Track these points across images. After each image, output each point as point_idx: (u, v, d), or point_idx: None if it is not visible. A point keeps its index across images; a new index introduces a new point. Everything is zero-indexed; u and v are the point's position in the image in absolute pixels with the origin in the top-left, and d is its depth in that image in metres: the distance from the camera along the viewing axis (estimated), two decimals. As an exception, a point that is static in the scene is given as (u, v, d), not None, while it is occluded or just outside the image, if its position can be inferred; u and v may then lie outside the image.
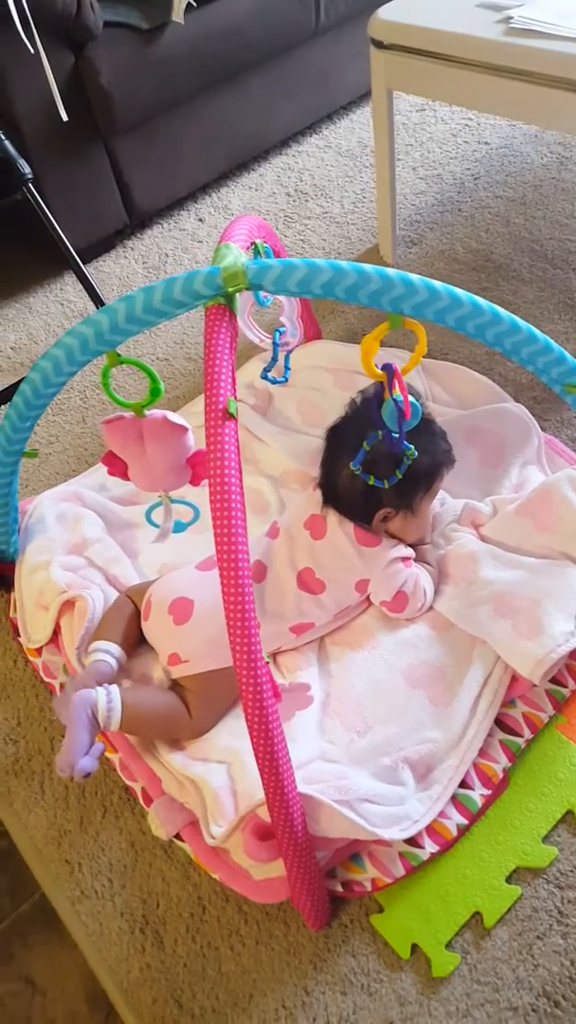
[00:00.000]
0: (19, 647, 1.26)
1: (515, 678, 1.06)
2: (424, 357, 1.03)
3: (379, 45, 1.46)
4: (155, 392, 0.93)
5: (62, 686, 1.17)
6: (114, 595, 1.21)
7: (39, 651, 1.22)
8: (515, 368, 1.51)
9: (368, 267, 0.84)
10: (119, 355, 0.92)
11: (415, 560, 1.15)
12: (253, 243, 0.99)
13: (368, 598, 1.16)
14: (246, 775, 0.99)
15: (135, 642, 1.15)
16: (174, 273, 1.91)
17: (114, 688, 1.02)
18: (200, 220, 2.07)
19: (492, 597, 1.10)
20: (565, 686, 1.07)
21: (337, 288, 0.85)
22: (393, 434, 0.94)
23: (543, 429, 1.34)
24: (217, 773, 1.00)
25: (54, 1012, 0.96)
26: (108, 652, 1.10)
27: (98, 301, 1.80)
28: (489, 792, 1.00)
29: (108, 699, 1.00)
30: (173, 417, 0.95)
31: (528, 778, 1.02)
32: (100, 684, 1.03)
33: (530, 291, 1.66)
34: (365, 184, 2.06)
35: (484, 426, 1.32)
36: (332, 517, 1.13)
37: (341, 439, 1.12)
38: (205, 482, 0.99)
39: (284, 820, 0.84)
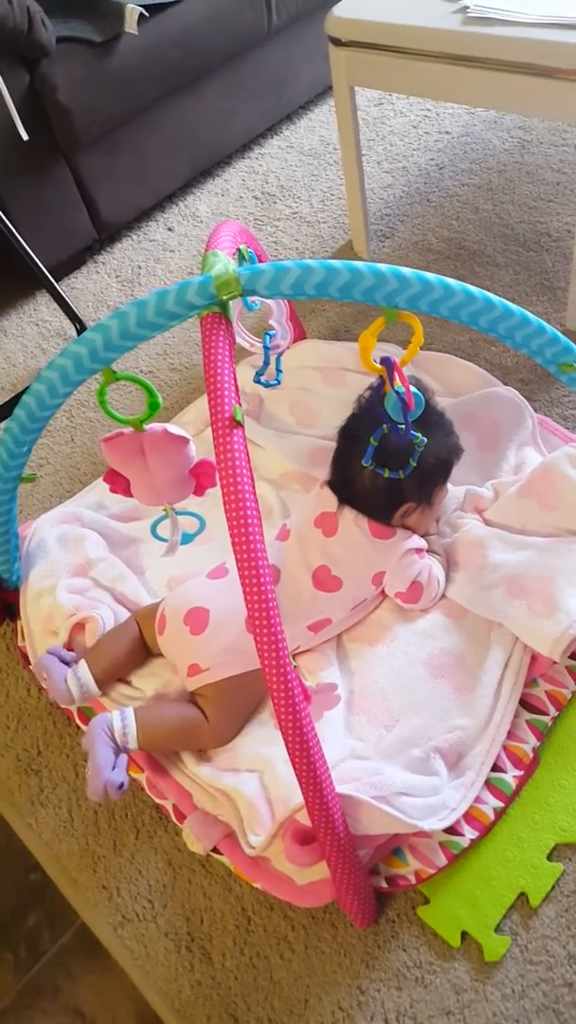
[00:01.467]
0: (31, 675, 1.25)
1: (535, 657, 1.07)
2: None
3: (337, 43, 1.46)
4: (153, 406, 0.92)
5: (80, 711, 1.16)
6: (124, 613, 1.20)
7: (53, 677, 1.20)
8: (500, 353, 1.52)
9: (360, 264, 0.84)
10: (115, 372, 0.91)
11: (427, 551, 1.15)
12: (238, 249, 0.99)
13: (383, 592, 1.16)
14: (279, 781, 0.98)
15: (133, 664, 1.16)
16: (148, 284, 1.91)
17: (128, 709, 1.04)
18: (169, 229, 2.06)
19: (504, 580, 1.11)
20: (585, 662, 1.08)
21: (330, 287, 0.85)
22: (399, 426, 0.94)
23: (534, 410, 1.35)
24: (250, 782, 1.00)
25: (107, 1039, 0.95)
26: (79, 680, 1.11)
27: (74, 319, 1.80)
28: (521, 773, 1.00)
29: (122, 718, 1.02)
30: (173, 429, 0.95)
31: (557, 755, 1.03)
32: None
33: (506, 275, 1.67)
34: (331, 182, 2.06)
35: (478, 412, 1.33)
36: (346, 513, 1.13)
37: (354, 436, 1.11)
38: (207, 492, 1.01)
39: (325, 822, 0.84)
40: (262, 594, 0.77)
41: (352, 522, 1.12)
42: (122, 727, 1.01)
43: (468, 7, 1.33)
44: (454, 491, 1.24)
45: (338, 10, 1.45)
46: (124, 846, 1.06)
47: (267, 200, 2.06)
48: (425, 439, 0.99)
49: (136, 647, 1.15)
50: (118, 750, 1.01)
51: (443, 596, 1.15)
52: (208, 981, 0.95)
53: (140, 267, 1.98)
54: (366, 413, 1.11)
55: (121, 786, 0.97)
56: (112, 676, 1.13)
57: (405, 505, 1.11)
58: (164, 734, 1.05)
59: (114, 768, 0.98)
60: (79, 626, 1.18)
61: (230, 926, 0.98)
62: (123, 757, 1.01)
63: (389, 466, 1.02)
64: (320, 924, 0.95)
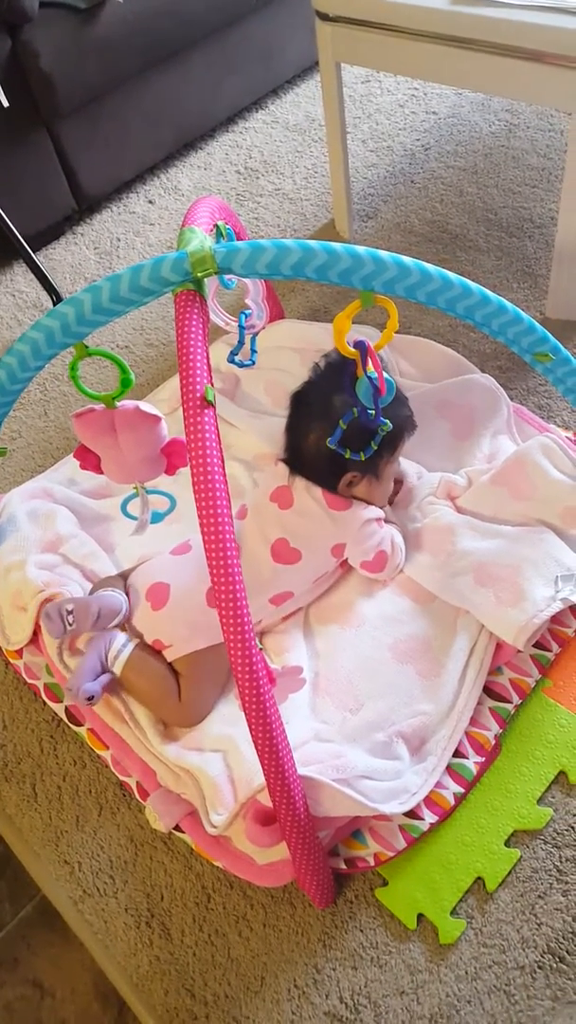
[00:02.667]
0: (-2, 651, 1.24)
1: (500, 645, 1.08)
2: (394, 332, 1.03)
3: (325, 17, 1.44)
4: (126, 383, 0.91)
5: (47, 687, 1.16)
6: (94, 591, 1.19)
7: (20, 653, 1.20)
8: (479, 339, 1.52)
9: (337, 246, 0.83)
10: (87, 347, 0.90)
11: (387, 521, 1.17)
12: (215, 225, 0.98)
13: (343, 564, 1.16)
14: (242, 762, 0.99)
15: None
16: (127, 257, 1.88)
17: (131, 641, 1.08)
18: (150, 202, 2.03)
19: (472, 567, 1.11)
20: (549, 650, 1.09)
21: (307, 268, 0.84)
22: (369, 411, 0.94)
23: (510, 398, 1.35)
24: (213, 762, 1.00)
25: (65, 1013, 0.96)
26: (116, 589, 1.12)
27: (51, 290, 1.77)
28: (483, 759, 1.02)
29: (123, 643, 1.08)
30: (145, 407, 0.94)
31: (520, 742, 1.04)
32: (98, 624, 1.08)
33: (488, 260, 1.66)
34: (316, 159, 2.04)
35: (454, 398, 1.32)
36: (299, 484, 1.14)
37: (307, 404, 1.13)
38: (179, 471, 1.00)
39: (286, 803, 0.84)
40: (229, 576, 0.77)
41: (306, 492, 1.13)
42: (118, 650, 1.07)
43: (458, -13, 1.31)
44: (429, 477, 1.25)
45: (326, -16, 1.42)
46: (87, 822, 1.07)
47: (250, 175, 2.03)
48: (391, 425, 0.99)
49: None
50: (105, 667, 1.06)
51: (402, 570, 1.17)
52: (167, 957, 0.95)
53: (119, 240, 1.95)
54: (322, 381, 1.12)
55: (91, 698, 1.02)
56: None
57: (349, 474, 1.12)
58: (146, 678, 1.07)
59: (95, 680, 1.04)
60: (47, 602, 1.17)
61: (190, 903, 0.98)
62: (106, 676, 1.06)
63: (351, 447, 1.02)
64: (279, 903, 0.96)
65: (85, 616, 1.07)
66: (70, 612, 1.07)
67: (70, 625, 1.06)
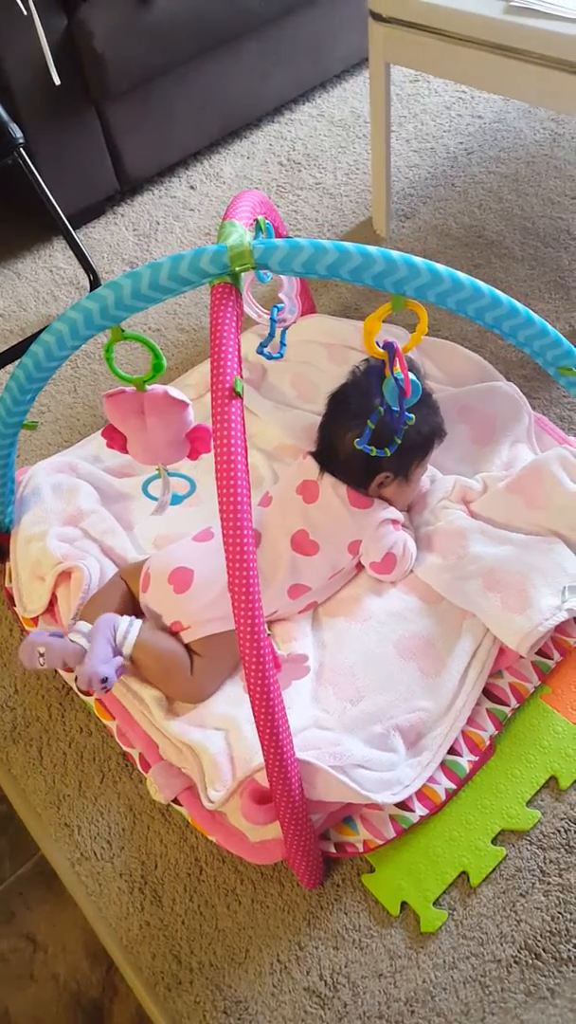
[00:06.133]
0: (15, 616, 1.27)
1: (502, 650, 1.10)
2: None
3: (378, 18, 1.45)
4: (157, 367, 0.94)
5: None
6: (110, 566, 1.22)
7: (35, 620, 1.23)
8: (506, 346, 1.53)
9: (373, 249, 0.86)
10: (123, 330, 0.93)
11: (403, 525, 1.20)
12: (256, 220, 1.00)
13: (359, 564, 1.19)
14: (243, 741, 1.02)
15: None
16: (165, 241, 1.91)
17: (137, 620, 1.09)
18: (191, 188, 2.05)
19: (482, 572, 1.14)
20: (551, 658, 1.11)
21: (342, 269, 0.86)
22: (394, 410, 0.96)
23: (532, 408, 1.37)
24: (215, 739, 1.03)
25: (56, 967, 1.00)
26: (85, 636, 1.11)
27: (88, 268, 1.80)
28: (476, 758, 1.04)
29: (129, 624, 1.07)
30: (174, 392, 0.96)
31: (514, 745, 1.06)
32: (66, 665, 1.05)
33: (521, 269, 1.67)
34: (358, 155, 2.05)
35: (476, 404, 1.34)
36: (326, 480, 1.17)
37: (345, 405, 1.16)
38: (201, 457, 1.03)
39: (282, 785, 0.87)
40: (244, 562, 0.79)
41: (332, 489, 1.16)
42: (125, 631, 1.06)
43: (512, -4, 1.32)
44: (443, 480, 1.27)
45: (382, -15, 1.44)
46: (89, 788, 1.10)
47: (292, 167, 2.05)
48: (415, 419, 1.02)
49: (126, 603, 1.17)
50: (115, 651, 1.06)
51: (411, 572, 1.19)
52: (156, 922, 0.99)
53: (159, 223, 1.97)
54: (359, 384, 1.14)
55: (105, 680, 1.00)
56: None
57: (382, 475, 1.16)
58: (155, 656, 1.08)
59: (106, 663, 1.02)
60: (65, 574, 1.21)
61: (182, 874, 1.02)
62: (118, 659, 1.05)
63: (377, 444, 1.05)
64: (268, 881, 1.00)
65: (56, 658, 1.05)
66: (42, 654, 1.04)
67: (41, 664, 1.04)
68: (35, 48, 1.60)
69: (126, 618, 1.08)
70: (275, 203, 1.94)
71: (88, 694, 1.15)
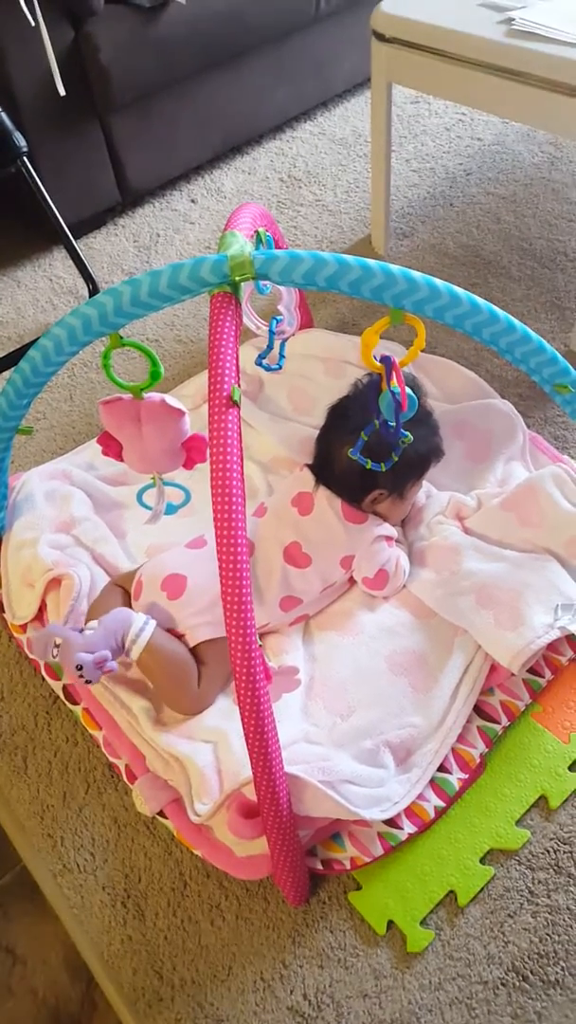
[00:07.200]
0: (3, 623, 1.26)
1: (494, 667, 1.09)
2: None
3: (381, 38, 1.47)
4: (155, 375, 0.94)
5: (47, 664, 1.18)
6: (101, 574, 1.22)
7: (24, 627, 1.22)
8: (502, 365, 1.54)
9: (372, 263, 0.86)
10: (121, 337, 0.93)
11: (396, 541, 1.19)
12: (256, 232, 1.00)
13: (351, 579, 1.19)
14: (231, 755, 1.01)
15: None
16: (165, 253, 1.92)
17: (152, 621, 1.06)
18: (192, 201, 2.06)
19: (475, 588, 1.13)
20: (542, 676, 1.11)
21: (341, 282, 0.86)
22: (389, 424, 0.96)
23: (527, 426, 1.37)
24: (203, 752, 1.02)
25: (35, 981, 0.98)
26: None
27: (88, 278, 1.80)
28: (466, 776, 1.03)
29: (144, 623, 1.05)
30: (171, 401, 0.96)
31: (504, 764, 1.05)
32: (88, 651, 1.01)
33: (518, 289, 1.69)
34: (358, 174, 2.07)
35: (472, 421, 1.35)
36: (321, 494, 1.17)
37: (344, 418, 1.16)
38: (196, 466, 1.02)
39: (270, 799, 0.86)
40: (237, 571, 0.79)
41: (326, 502, 1.16)
42: (137, 632, 1.04)
43: (514, 20, 1.34)
44: (438, 496, 1.27)
45: (385, 6, 1.45)
46: (73, 798, 1.09)
47: (292, 184, 2.06)
48: (411, 437, 1.02)
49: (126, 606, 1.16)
50: (118, 651, 1.03)
51: (404, 587, 1.19)
52: (139, 937, 0.97)
53: (159, 235, 1.98)
54: (360, 397, 1.14)
55: (80, 667, 0.97)
56: None
57: (376, 491, 1.15)
58: (165, 661, 1.06)
59: (96, 664, 0.98)
60: (55, 581, 1.20)
61: (166, 888, 1.00)
62: (112, 664, 1.00)
63: (372, 458, 1.05)
64: (253, 897, 0.98)
65: (69, 656, 1.01)
66: (57, 646, 1.01)
67: (54, 657, 1.02)
68: (42, 59, 1.61)
69: (142, 616, 1.06)
70: (275, 219, 1.96)
71: (73, 698, 1.13)
